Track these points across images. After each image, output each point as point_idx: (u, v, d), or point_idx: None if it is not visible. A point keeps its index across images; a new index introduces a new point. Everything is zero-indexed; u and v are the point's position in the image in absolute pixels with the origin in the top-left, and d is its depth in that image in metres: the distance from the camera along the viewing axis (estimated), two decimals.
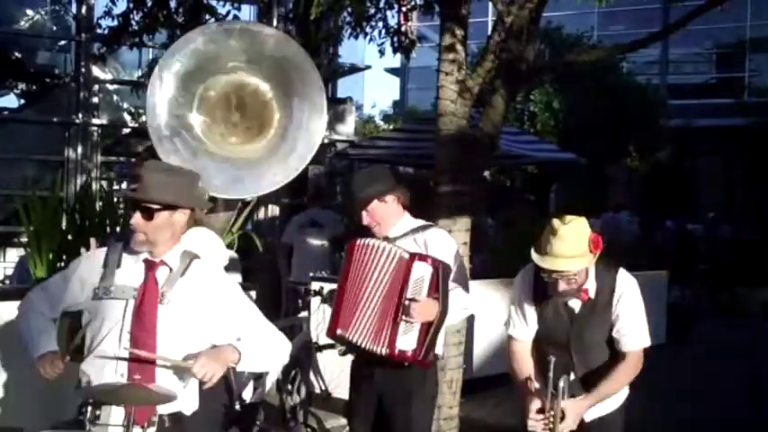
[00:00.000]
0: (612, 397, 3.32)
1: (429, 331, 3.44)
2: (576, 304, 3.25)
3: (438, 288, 3.44)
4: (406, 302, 3.42)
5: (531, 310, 3.32)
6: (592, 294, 3.19)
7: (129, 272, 2.91)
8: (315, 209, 8.32)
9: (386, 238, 3.63)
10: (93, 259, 3.02)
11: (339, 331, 3.57)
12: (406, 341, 3.44)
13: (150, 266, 2.90)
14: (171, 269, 2.92)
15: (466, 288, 3.68)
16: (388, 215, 3.64)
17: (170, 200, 2.87)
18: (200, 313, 2.92)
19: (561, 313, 3.26)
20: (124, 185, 14.06)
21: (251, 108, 3.31)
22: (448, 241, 3.73)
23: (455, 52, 5.18)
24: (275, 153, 3.36)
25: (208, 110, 3.28)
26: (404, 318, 3.42)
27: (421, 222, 3.77)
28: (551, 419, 3.10)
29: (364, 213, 3.62)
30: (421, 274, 3.45)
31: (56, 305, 3.03)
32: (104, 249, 3.01)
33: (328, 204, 8.72)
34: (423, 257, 3.48)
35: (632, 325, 3.22)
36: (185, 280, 2.92)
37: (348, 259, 3.61)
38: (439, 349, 3.74)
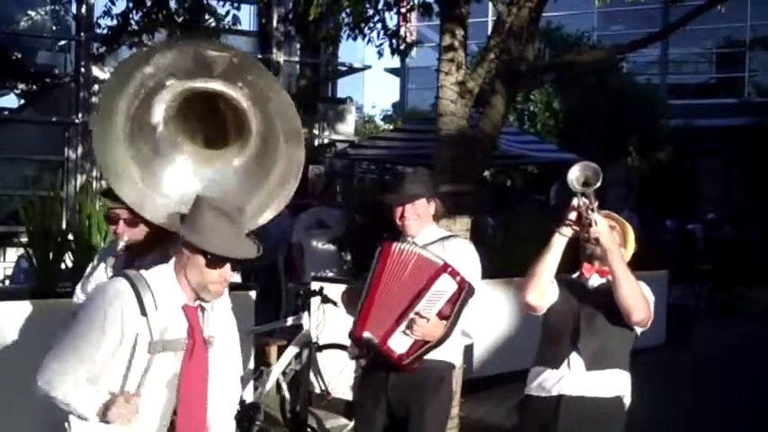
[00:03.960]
0: (612, 381, 3.38)
1: (424, 346, 3.45)
2: (595, 283, 3.46)
3: (452, 309, 3.42)
4: (415, 313, 3.41)
5: (554, 286, 3.44)
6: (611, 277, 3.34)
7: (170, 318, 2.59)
8: (320, 208, 8.30)
9: (414, 245, 3.63)
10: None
11: (366, 334, 3.48)
12: (399, 343, 3.44)
13: (189, 311, 2.63)
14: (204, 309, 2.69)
15: (479, 308, 3.64)
16: (427, 216, 3.69)
17: None
18: (231, 346, 2.82)
19: (581, 289, 3.43)
20: None
21: (221, 114, 2.85)
22: (473, 255, 3.72)
23: (455, 52, 5.18)
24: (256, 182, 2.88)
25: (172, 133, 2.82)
26: (405, 329, 3.42)
27: (446, 232, 3.81)
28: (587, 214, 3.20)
29: (409, 206, 3.62)
30: (444, 288, 3.43)
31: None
32: (127, 284, 2.57)
33: (334, 203, 8.72)
34: (454, 273, 3.45)
35: (644, 293, 3.36)
36: (215, 315, 2.74)
37: (382, 264, 3.55)
38: (457, 360, 3.76)
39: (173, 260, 2.62)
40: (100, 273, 3.22)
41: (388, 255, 3.54)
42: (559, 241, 3.31)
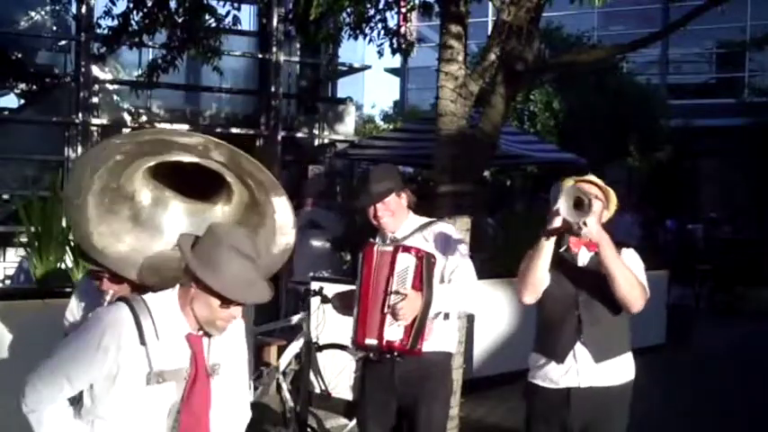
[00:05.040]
0: (620, 368, 3.41)
1: (415, 321, 3.51)
2: (585, 258, 3.42)
3: (422, 278, 3.51)
4: (392, 296, 3.50)
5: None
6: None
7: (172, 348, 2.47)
8: (314, 210, 8.31)
9: (394, 239, 3.68)
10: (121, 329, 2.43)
11: (367, 340, 3.57)
12: (394, 332, 3.52)
13: (193, 340, 2.52)
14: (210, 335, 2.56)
15: (471, 281, 3.70)
16: (400, 209, 3.72)
17: None
18: (239, 371, 2.71)
19: (572, 268, 3.40)
20: None
21: (197, 174, 2.69)
22: (454, 234, 3.80)
23: (455, 52, 5.18)
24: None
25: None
26: (390, 314, 3.50)
27: (425, 219, 3.83)
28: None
29: (380, 205, 3.66)
30: (405, 265, 3.53)
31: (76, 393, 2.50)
32: (128, 311, 2.45)
33: (328, 204, 8.73)
34: (406, 249, 3.56)
35: (637, 271, 3.36)
36: (222, 341, 2.62)
37: (367, 270, 3.63)
38: (453, 348, 3.81)
39: (177, 287, 2.52)
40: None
41: (371, 260, 3.63)
42: (548, 244, 3.29)
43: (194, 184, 2.77)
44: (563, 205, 3.12)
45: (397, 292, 3.50)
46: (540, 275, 3.33)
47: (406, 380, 3.62)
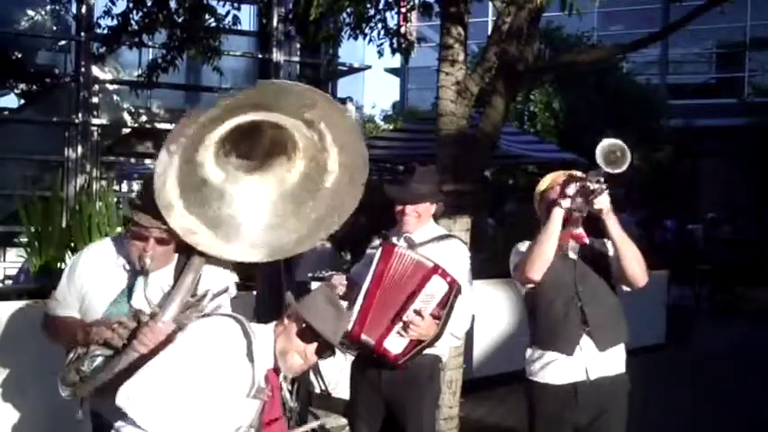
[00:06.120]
0: (620, 356, 3.46)
1: (418, 346, 3.48)
2: (574, 251, 3.44)
3: (444, 309, 3.45)
4: (410, 313, 3.43)
5: None
6: (586, 240, 3.42)
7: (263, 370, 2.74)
8: None
9: (410, 244, 3.64)
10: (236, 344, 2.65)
11: (363, 337, 3.50)
12: (395, 344, 3.47)
13: (272, 376, 2.79)
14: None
15: (470, 309, 3.67)
16: (426, 216, 3.73)
17: None
18: None
19: (565, 260, 3.41)
20: (124, 186, 14.11)
21: (268, 136, 2.89)
22: (464, 257, 3.75)
23: (455, 52, 5.19)
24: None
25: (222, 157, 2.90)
26: (401, 328, 3.45)
27: (443, 231, 3.83)
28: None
29: (411, 206, 3.65)
30: (436, 289, 3.45)
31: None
32: (238, 326, 2.67)
33: None
34: (445, 273, 3.47)
35: None
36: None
37: (382, 266, 3.55)
38: (443, 353, 3.78)
39: (273, 324, 2.75)
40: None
41: (389, 257, 3.55)
42: (559, 214, 3.32)
43: (258, 143, 2.91)
44: (600, 158, 3.26)
45: (418, 313, 3.42)
46: (552, 247, 3.34)
47: (393, 382, 3.60)
